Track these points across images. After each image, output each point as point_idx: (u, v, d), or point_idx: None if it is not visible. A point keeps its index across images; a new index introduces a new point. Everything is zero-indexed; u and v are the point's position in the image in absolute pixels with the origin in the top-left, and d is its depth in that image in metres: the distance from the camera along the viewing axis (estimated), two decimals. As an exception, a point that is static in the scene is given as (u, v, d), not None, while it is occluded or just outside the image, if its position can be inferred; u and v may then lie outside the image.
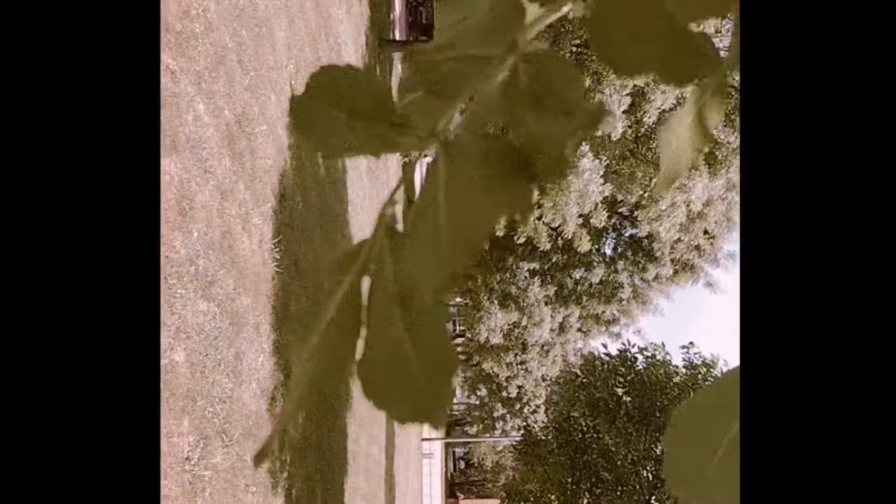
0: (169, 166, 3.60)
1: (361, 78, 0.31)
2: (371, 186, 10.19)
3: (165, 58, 3.65)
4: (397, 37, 12.35)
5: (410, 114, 0.31)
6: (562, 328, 16.59)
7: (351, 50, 8.87)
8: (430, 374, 0.30)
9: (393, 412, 0.30)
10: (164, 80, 3.61)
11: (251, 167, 4.90)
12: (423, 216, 0.28)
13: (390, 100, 0.31)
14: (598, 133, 8.46)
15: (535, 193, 0.26)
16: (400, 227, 0.30)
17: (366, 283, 0.31)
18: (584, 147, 8.90)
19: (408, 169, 0.31)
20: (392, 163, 12.28)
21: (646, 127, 9.18)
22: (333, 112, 0.31)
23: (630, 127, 9.10)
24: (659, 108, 8.62)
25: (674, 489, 0.41)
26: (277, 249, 5.20)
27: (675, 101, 8.51)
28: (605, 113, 0.28)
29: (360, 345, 0.31)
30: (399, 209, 0.31)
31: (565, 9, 0.32)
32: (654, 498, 12.17)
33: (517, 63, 0.29)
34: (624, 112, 8.52)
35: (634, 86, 8.30)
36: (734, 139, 9.70)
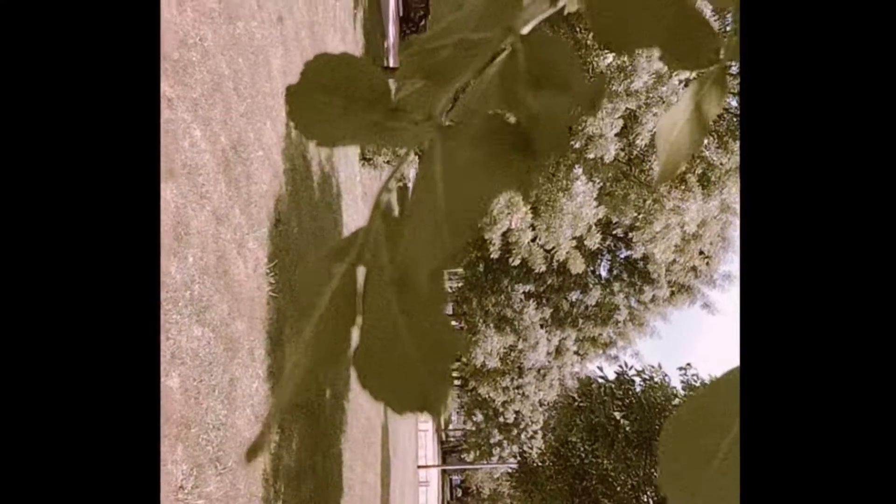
0: (165, 192, 3.60)
1: (357, 65, 0.31)
2: (366, 210, 10.20)
3: (162, 85, 3.68)
4: (391, 64, 12.47)
5: (407, 102, 0.31)
6: (558, 351, 16.53)
7: (345, 76, 8.92)
8: (428, 360, 0.29)
9: (390, 402, 0.30)
10: (161, 107, 3.63)
11: (246, 192, 4.92)
12: (421, 200, 0.28)
13: (387, 87, 0.31)
14: (591, 155, 8.50)
15: (535, 172, 0.26)
16: (395, 213, 0.30)
17: (361, 272, 0.31)
18: (578, 170, 8.94)
19: (398, 166, 0.32)
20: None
21: (638, 149, 9.23)
22: (329, 99, 0.31)
23: (622, 150, 9.15)
24: (651, 131, 8.69)
25: (670, 497, 0.40)
26: (272, 274, 5.19)
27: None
28: (604, 89, 0.28)
29: (356, 335, 0.31)
30: (394, 198, 0.31)
31: (561, 2, 0.33)
32: (654, 523, 12.04)
33: (514, 45, 0.30)
34: (616, 135, 8.58)
35: (626, 109, 8.37)
36: (727, 161, 9.77)
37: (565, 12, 0.36)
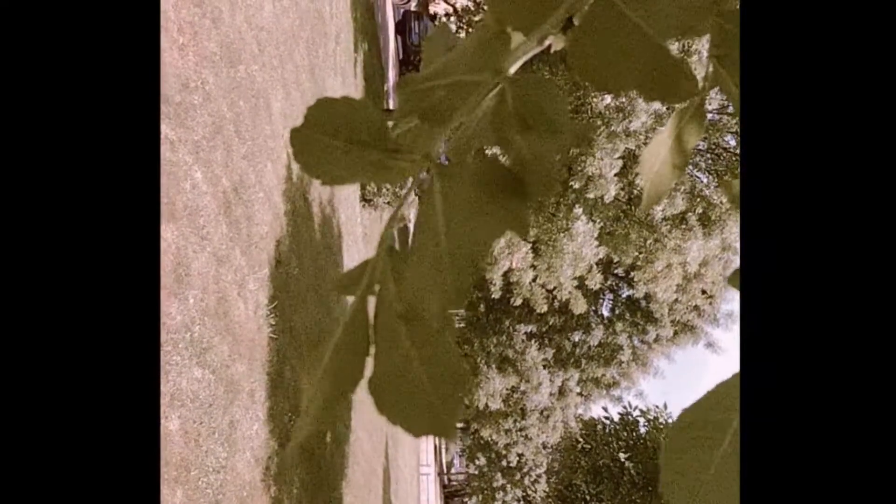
0: (166, 233, 3.62)
1: (357, 108, 0.33)
2: (366, 252, 10.22)
3: (164, 128, 3.72)
4: (392, 106, 12.64)
5: (404, 141, 0.32)
6: (561, 392, 16.37)
7: (346, 119, 9.04)
8: (440, 387, 0.31)
9: (407, 426, 0.31)
10: (163, 149, 3.67)
11: (247, 234, 4.94)
12: (423, 237, 0.29)
13: (385, 128, 0.32)
14: (591, 195, 8.55)
15: (530, 212, 0.27)
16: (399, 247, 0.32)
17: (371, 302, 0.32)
18: (578, 210, 8.99)
19: (401, 204, 0.33)
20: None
21: (638, 189, 9.30)
22: (331, 141, 0.32)
23: (622, 189, 9.21)
24: (650, 171, 8.72)
25: (672, 501, 0.42)
26: (272, 315, 5.17)
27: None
28: (591, 132, 0.29)
29: (370, 362, 0.32)
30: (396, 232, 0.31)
31: (548, 42, 0.34)
32: (662, 568, 11.77)
33: (504, 87, 0.31)
34: (616, 175, 8.64)
35: (625, 149, 8.45)
36: (727, 200, 9.80)
37: (551, 50, 0.37)
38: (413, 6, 14.97)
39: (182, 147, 3.95)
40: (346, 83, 9.38)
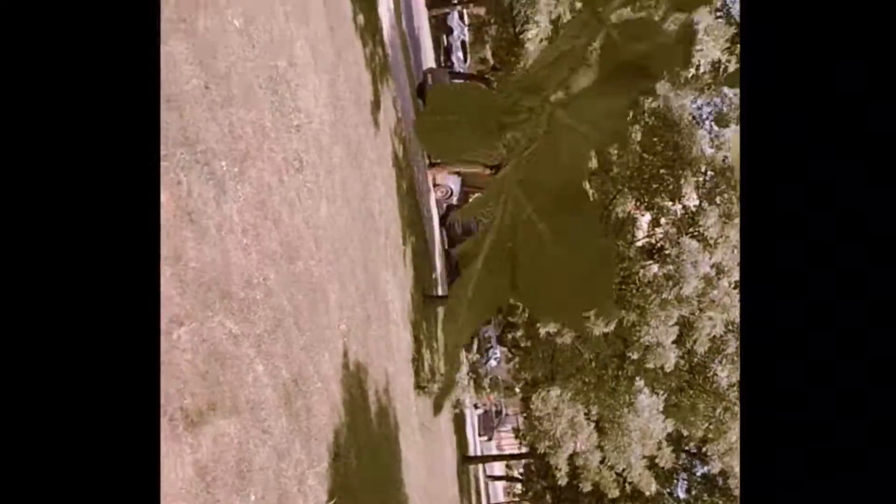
0: (229, 428, 3.63)
1: (469, 89, 0.37)
2: (423, 444, 9.96)
3: (229, 323, 3.86)
4: (439, 293, 12.95)
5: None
6: (646, 590, 14.82)
7: (398, 307, 9.28)
8: (589, 264, 0.31)
9: (564, 314, 0.32)
10: (227, 344, 3.78)
11: (307, 426, 4.90)
12: (548, 139, 0.32)
13: (494, 99, 0.36)
14: (651, 365, 8.35)
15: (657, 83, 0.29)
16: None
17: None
18: (639, 382, 8.73)
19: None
20: (445, 423, 12.09)
21: (699, 356, 9.05)
22: (452, 118, 0.36)
23: (682, 357, 8.98)
24: (709, 335, 8.55)
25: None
26: (333, 511, 4.98)
27: (724, 325, 8.49)
28: (694, 33, 0.33)
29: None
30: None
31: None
32: None
33: (608, 31, 0.34)
34: (673, 342, 8.48)
35: (679, 316, 8.37)
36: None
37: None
38: (455, 201, 15.94)
39: (245, 341, 4.07)
40: (396, 273, 9.71)
